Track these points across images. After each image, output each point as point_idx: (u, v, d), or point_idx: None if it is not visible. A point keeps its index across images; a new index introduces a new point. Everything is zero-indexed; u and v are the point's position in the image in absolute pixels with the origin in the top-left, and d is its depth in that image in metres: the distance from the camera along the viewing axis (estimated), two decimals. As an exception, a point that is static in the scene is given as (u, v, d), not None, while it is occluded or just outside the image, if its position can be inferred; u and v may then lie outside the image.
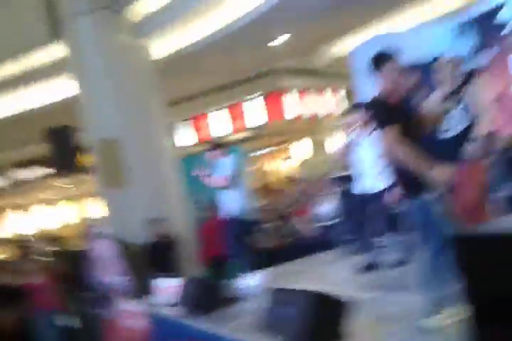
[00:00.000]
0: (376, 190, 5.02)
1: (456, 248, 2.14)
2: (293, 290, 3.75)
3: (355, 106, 5.38)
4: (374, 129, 4.17)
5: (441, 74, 4.44)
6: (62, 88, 9.94)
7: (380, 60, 3.35)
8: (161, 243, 7.32)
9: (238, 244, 5.73)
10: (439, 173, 3.14)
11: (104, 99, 8.14)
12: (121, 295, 6.22)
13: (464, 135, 4.22)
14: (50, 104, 10.69)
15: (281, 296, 3.70)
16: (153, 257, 7.12)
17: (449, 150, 4.20)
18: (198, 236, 7.79)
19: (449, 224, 3.19)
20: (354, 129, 5.23)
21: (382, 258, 5.18)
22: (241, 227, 5.72)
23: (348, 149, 5.33)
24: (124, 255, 6.75)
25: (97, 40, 8.26)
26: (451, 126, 4.28)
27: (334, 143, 16.83)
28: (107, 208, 8.25)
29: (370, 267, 5.15)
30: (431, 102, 4.13)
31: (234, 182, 5.72)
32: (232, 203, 5.77)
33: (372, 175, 5.09)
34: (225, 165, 5.84)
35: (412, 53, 6.86)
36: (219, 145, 6.19)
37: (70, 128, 7.50)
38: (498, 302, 1.88)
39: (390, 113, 3.26)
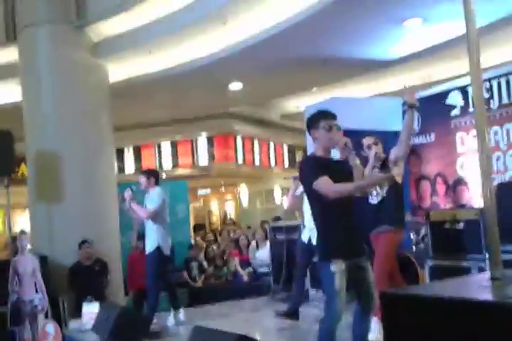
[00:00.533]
0: (307, 241, 5.27)
1: (382, 305, 2.18)
2: (216, 330, 3.78)
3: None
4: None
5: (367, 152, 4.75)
6: (10, 92, 9.74)
7: (317, 118, 3.50)
8: (89, 266, 7.17)
9: (156, 278, 5.60)
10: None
11: (50, 112, 7.96)
12: (40, 315, 6.06)
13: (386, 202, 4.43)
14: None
15: (202, 336, 3.72)
16: (80, 280, 6.96)
17: (374, 215, 4.47)
18: (127, 266, 7.69)
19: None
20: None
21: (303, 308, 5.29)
22: (160, 262, 5.62)
23: (292, 199, 5.50)
24: (48, 274, 6.60)
25: (51, 50, 8.11)
26: (378, 192, 4.50)
27: (279, 192, 17.24)
28: (34, 222, 8.02)
29: (289, 314, 5.23)
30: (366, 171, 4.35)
31: (158, 215, 5.61)
32: (151, 237, 5.65)
33: (308, 227, 5.27)
34: (153, 196, 5.70)
35: (361, 120, 7.37)
36: (152, 173, 6.05)
37: (10, 133, 7.22)
38: None
39: (319, 167, 3.34)
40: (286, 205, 5.69)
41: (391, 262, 4.36)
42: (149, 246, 5.64)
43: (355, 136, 7.07)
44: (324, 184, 3.21)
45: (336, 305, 3.17)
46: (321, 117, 3.49)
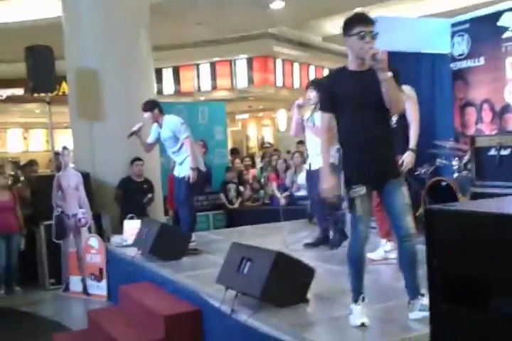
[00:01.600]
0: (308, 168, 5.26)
1: (426, 221, 2.17)
2: (254, 247, 3.86)
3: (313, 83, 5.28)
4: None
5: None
6: (51, 7, 9.57)
7: (351, 23, 3.10)
8: (139, 183, 7.31)
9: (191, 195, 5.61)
10: None
11: (90, 29, 7.81)
12: (83, 229, 6.29)
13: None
14: (36, 21, 10.36)
15: (241, 251, 3.81)
16: (127, 196, 7.13)
17: None
18: (167, 185, 7.82)
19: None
20: (301, 106, 5.26)
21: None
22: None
23: (298, 127, 5.32)
24: (90, 190, 6.78)
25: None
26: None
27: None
28: (76, 140, 8.14)
29: (316, 244, 5.31)
30: None
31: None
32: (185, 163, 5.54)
33: (310, 154, 5.23)
34: (176, 124, 5.54)
35: (408, 41, 7.07)
36: (151, 105, 5.70)
37: (50, 49, 7.16)
38: (464, 281, 2.00)
39: (329, 96, 3.17)
40: (292, 132, 5.48)
41: None
42: (185, 171, 5.52)
43: (402, 59, 6.89)
44: (321, 124, 3.31)
45: (358, 229, 3.16)
46: (355, 22, 3.08)
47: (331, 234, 5.29)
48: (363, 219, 3.14)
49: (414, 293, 3.17)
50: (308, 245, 5.32)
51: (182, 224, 5.56)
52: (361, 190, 3.14)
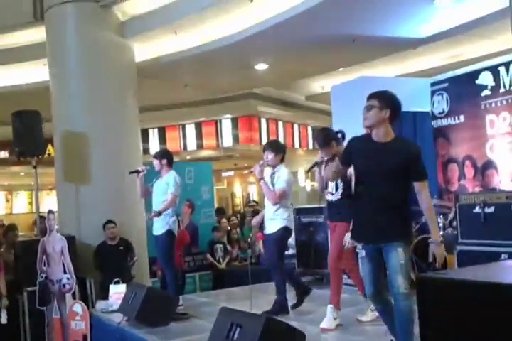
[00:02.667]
0: None
1: (418, 290, 2.18)
2: (243, 312, 3.81)
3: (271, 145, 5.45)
4: None
5: None
6: (39, 72, 9.77)
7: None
8: (114, 246, 7.24)
9: (172, 260, 5.60)
10: None
11: (77, 92, 7.95)
12: (68, 295, 6.14)
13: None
14: (24, 85, 10.53)
15: (229, 317, 3.72)
16: (105, 259, 7.04)
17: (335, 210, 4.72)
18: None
19: None
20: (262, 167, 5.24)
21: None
22: (173, 245, 5.61)
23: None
24: (75, 254, 6.67)
25: (78, 30, 8.06)
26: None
27: (303, 175, 17.19)
28: (61, 203, 8.09)
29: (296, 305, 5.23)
30: None
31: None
32: (163, 219, 5.55)
33: (267, 217, 5.23)
34: (170, 180, 5.57)
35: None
36: (165, 154, 5.82)
37: (38, 114, 7.26)
38: None
39: None
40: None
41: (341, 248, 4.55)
42: (160, 229, 5.56)
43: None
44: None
45: (366, 290, 3.39)
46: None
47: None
48: (366, 279, 3.44)
49: None
50: (294, 306, 5.21)
51: (169, 287, 5.48)
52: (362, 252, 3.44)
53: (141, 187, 5.81)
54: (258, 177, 5.09)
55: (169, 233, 5.54)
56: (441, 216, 6.08)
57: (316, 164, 4.33)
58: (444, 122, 7.24)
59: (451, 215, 5.65)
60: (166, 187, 5.60)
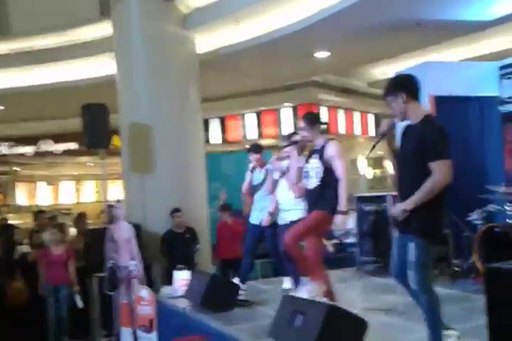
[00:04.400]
0: None
1: (485, 280, 2.15)
2: (306, 300, 3.82)
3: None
4: None
5: None
6: (104, 66, 10.08)
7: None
8: (180, 234, 7.40)
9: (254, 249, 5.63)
10: None
11: (142, 84, 8.19)
12: (135, 280, 6.34)
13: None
14: (91, 79, 10.88)
15: (293, 304, 3.75)
16: (172, 247, 7.22)
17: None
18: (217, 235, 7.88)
19: None
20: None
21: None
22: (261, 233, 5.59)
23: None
24: (141, 241, 6.88)
25: (143, 24, 8.30)
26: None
27: (364, 162, 16.99)
28: (128, 192, 8.33)
29: None
30: None
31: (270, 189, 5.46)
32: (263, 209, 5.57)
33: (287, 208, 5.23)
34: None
35: (455, 85, 7.04)
36: (259, 148, 5.85)
37: (105, 107, 7.51)
38: None
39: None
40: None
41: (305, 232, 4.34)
42: (259, 217, 5.59)
43: (450, 103, 6.86)
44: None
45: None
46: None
47: None
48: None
49: None
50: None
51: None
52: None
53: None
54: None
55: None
56: (509, 204, 5.88)
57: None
58: (512, 107, 6.97)
59: (520, 203, 5.47)
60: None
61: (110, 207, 7.60)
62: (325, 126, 4.67)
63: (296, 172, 4.53)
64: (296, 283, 5.13)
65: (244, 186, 5.72)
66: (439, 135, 3.21)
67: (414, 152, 3.22)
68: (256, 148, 5.74)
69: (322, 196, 4.27)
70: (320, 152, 4.35)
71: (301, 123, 4.56)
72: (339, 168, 4.24)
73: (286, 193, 5.20)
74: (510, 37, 10.05)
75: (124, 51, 8.45)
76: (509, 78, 6.99)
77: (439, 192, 3.18)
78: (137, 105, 8.19)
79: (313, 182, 4.35)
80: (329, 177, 4.26)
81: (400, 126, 3.49)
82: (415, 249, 3.18)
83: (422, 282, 3.19)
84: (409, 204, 3.19)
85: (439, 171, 3.13)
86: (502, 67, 7.08)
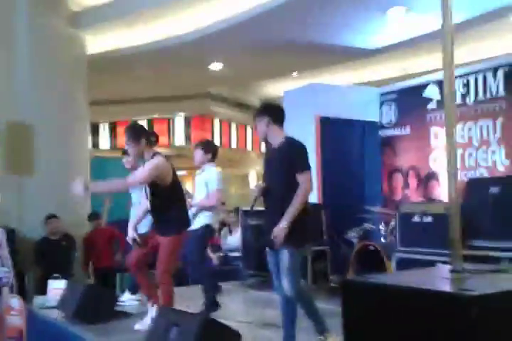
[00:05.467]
0: None
1: (342, 293, 2.24)
2: (182, 312, 3.82)
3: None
4: None
5: None
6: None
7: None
8: (56, 241, 7.12)
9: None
10: None
11: (25, 81, 7.82)
12: (5, 289, 5.99)
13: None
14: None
15: (168, 316, 3.73)
16: (46, 255, 6.91)
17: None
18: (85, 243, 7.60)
19: None
20: None
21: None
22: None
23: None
24: (15, 247, 6.53)
25: (29, 17, 7.90)
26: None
27: (254, 177, 17.24)
28: (3, 194, 7.89)
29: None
30: None
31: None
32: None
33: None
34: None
35: (339, 108, 7.41)
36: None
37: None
38: None
39: None
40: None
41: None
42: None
43: (335, 124, 7.19)
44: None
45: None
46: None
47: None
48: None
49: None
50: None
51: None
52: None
53: None
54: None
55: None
56: (383, 224, 6.25)
57: None
58: (391, 132, 7.42)
59: (392, 224, 5.81)
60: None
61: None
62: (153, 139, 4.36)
63: None
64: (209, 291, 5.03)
65: None
66: (302, 149, 3.57)
67: (281, 168, 3.52)
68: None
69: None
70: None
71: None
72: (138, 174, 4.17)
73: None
74: (391, 65, 10.73)
75: (6, 45, 7.97)
76: (388, 105, 7.47)
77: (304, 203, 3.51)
78: (18, 103, 7.78)
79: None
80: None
81: None
82: (288, 256, 3.47)
83: (296, 286, 3.48)
84: (287, 219, 3.42)
85: (306, 181, 3.49)
86: (382, 94, 7.55)
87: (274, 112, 3.68)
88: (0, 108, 7.88)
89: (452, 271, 2.36)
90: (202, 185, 5.09)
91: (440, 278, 2.32)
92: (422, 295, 1.93)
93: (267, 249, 3.69)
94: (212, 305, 4.98)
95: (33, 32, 7.92)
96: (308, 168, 3.54)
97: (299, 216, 3.46)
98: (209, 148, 5.19)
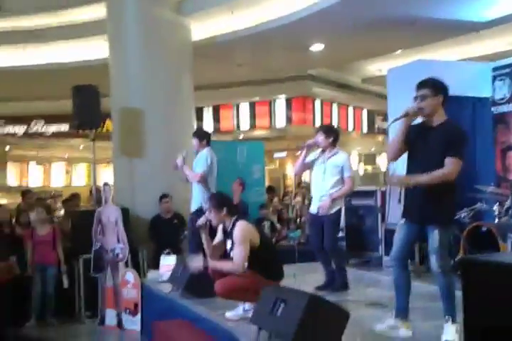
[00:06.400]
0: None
1: (461, 271, 2.18)
2: (287, 289, 3.85)
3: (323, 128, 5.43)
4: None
5: None
6: (98, 48, 10.02)
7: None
8: (168, 219, 7.42)
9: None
10: None
11: (134, 68, 8.14)
12: (121, 264, 6.37)
13: None
14: (84, 61, 10.84)
15: (274, 293, 3.78)
16: (159, 232, 7.24)
17: None
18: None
19: None
20: (310, 147, 5.28)
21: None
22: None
23: (302, 166, 5.33)
24: (129, 225, 6.89)
25: (137, 7, 8.21)
26: None
27: (356, 158, 17.02)
28: (117, 176, 8.32)
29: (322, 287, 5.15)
30: None
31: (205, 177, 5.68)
32: (196, 197, 5.75)
33: (317, 198, 5.23)
34: (201, 158, 5.78)
35: (448, 84, 7.09)
36: (204, 134, 6.04)
37: (96, 88, 7.48)
38: (501, 333, 1.96)
39: None
40: (294, 170, 5.61)
41: None
42: (193, 206, 5.81)
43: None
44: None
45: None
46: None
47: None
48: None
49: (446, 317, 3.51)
50: (318, 288, 5.16)
51: None
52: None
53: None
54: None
55: (200, 211, 5.54)
56: (497, 203, 5.96)
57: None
58: (505, 108, 7.03)
59: (508, 203, 5.53)
60: (195, 165, 5.85)
61: (98, 189, 7.61)
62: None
63: None
64: (342, 270, 5.21)
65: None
66: (463, 136, 3.63)
67: (438, 148, 3.53)
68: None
69: None
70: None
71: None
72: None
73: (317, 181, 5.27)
74: (505, 39, 10.12)
75: (117, 34, 8.38)
76: (501, 80, 7.06)
77: (451, 186, 3.58)
78: (129, 89, 8.16)
79: None
80: None
81: None
82: (438, 234, 3.51)
83: (444, 265, 3.53)
84: (414, 178, 3.55)
85: (450, 166, 3.51)
86: (495, 69, 7.14)
87: (447, 92, 3.68)
88: (114, 94, 8.30)
89: None
90: (335, 170, 5.16)
91: None
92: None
93: (403, 222, 3.71)
94: (344, 284, 5.14)
95: (142, 21, 8.23)
96: (459, 155, 3.54)
97: (447, 194, 3.58)
98: (331, 133, 5.25)
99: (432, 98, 3.59)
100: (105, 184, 6.99)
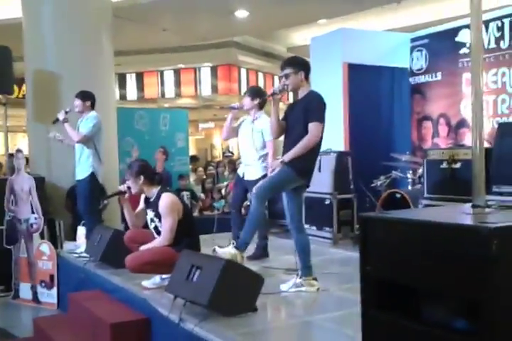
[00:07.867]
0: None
1: (360, 228, 2.25)
2: (204, 255, 3.87)
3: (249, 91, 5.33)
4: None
5: None
6: (10, 7, 9.45)
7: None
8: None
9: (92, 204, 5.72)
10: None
11: (50, 30, 7.67)
12: (34, 234, 6.15)
13: None
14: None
15: (191, 259, 3.76)
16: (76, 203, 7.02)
17: None
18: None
19: None
20: (235, 109, 5.25)
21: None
22: (95, 188, 5.74)
23: (228, 130, 5.30)
24: (45, 195, 6.64)
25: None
26: None
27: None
28: (33, 144, 7.98)
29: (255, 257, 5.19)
30: None
31: (90, 140, 5.61)
32: (85, 162, 5.69)
33: (244, 162, 5.23)
34: (88, 120, 5.69)
35: (369, 54, 7.19)
36: (88, 96, 5.90)
37: (8, 49, 7.06)
38: (396, 288, 2.04)
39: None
40: (222, 135, 5.60)
41: None
42: (83, 172, 5.68)
43: (363, 71, 7.00)
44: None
45: None
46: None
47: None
48: None
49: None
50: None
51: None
52: None
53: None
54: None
55: (92, 175, 5.60)
56: (411, 171, 6.16)
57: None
58: (422, 79, 7.23)
59: (420, 171, 5.73)
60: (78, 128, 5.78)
61: (10, 157, 7.27)
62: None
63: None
64: (263, 238, 5.21)
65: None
66: (319, 101, 3.88)
67: (301, 117, 3.84)
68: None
69: None
70: None
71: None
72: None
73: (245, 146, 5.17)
74: (423, 10, 10.34)
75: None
76: (419, 51, 7.23)
77: (314, 148, 3.86)
78: (44, 53, 7.71)
79: None
80: None
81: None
82: (281, 171, 3.82)
83: (262, 194, 3.85)
84: (287, 156, 3.83)
85: (313, 131, 3.79)
86: (413, 40, 7.31)
87: (307, 67, 3.97)
88: (28, 57, 7.85)
89: (473, 206, 2.31)
90: (257, 134, 5.08)
91: (461, 213, 2.29)
92: (441, 229, 1.90)
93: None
94: (265, 251, 5.21)
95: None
96: (318, 120, 3.81)
97: (309, 153, 3.83)
98: (256, 95, 5.14)
99: (294, 75, 3.87)
100: (18, 150, 6.66)
